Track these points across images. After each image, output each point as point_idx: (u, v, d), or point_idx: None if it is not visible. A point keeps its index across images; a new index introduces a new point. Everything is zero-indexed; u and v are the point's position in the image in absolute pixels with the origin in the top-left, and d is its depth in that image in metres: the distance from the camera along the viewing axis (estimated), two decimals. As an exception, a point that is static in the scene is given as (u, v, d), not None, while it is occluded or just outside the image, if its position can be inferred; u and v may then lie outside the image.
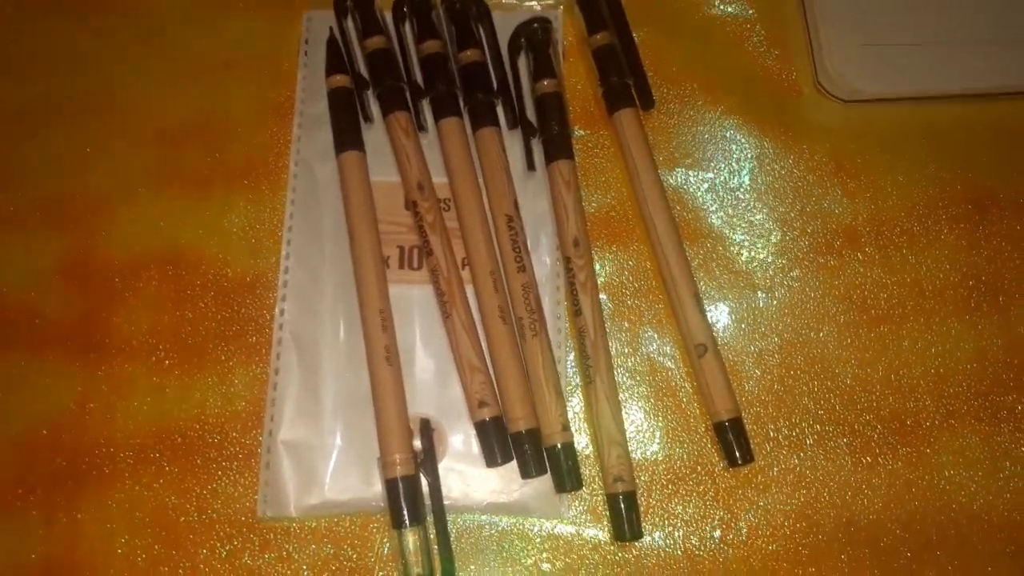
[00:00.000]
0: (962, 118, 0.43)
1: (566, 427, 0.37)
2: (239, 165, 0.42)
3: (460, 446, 0.38)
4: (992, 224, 0.41)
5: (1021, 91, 0.43)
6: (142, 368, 0.39)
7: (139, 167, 0.42)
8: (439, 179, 0.40)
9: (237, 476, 0.37)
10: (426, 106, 0.42)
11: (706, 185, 0.42)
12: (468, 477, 0.37)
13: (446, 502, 0.36)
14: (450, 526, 0.36)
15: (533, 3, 0.44)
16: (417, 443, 0.37)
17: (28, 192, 0.41)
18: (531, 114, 0.41)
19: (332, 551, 0.36)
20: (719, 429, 0.37)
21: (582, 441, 0.38)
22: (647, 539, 0.37)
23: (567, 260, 0.39)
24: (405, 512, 0.35)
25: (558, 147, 0.40)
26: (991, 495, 0.37)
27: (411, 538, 0.35)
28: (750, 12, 0.44)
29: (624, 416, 0.37)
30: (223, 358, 0.39)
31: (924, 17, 0.43)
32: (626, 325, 0.40)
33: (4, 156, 0.42)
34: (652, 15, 0.44)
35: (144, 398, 0.38)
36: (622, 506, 0.36)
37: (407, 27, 0.43)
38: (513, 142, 0.41)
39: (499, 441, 0.36)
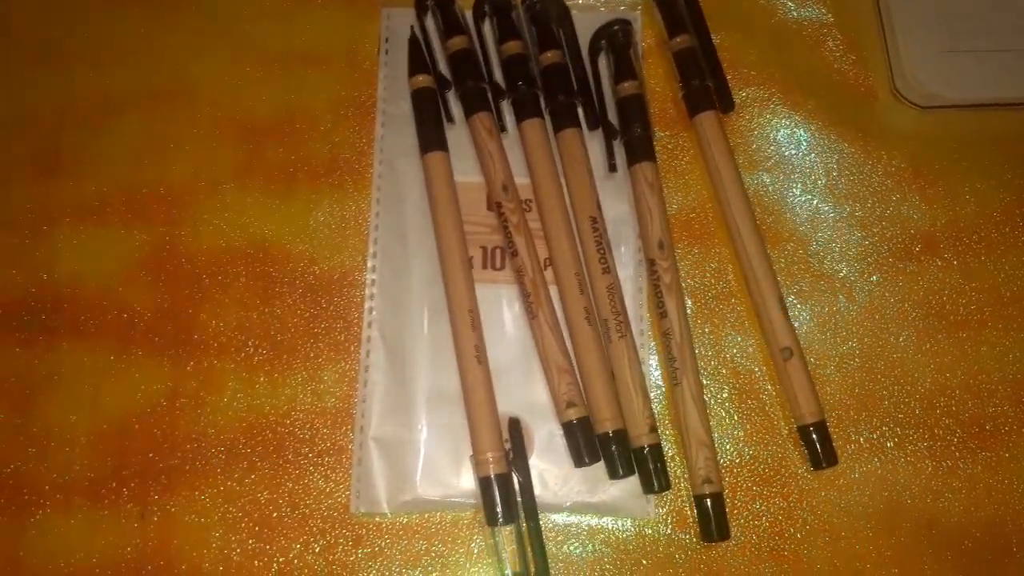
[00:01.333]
0: (1038, 124, 0.43)
1: (653, 428, 0.37)
2: (323, 162, 0.42)
3: (547, 445, 0.38)
4: (1069, 231, 0.41)
5: (1097, 99, 0.43)
6: (231, 364, 0.39)
7: (221, 161, 0.42)
8: (522, 180, 0.41)
9: (329, 472, 0.38)
10: (507, 107, 0.42)
11: (786, 189, 0.42)
12: (555, 476, 0.38)
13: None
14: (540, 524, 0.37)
15: (613, 4, 0.44)
16: (507, 442, 0.37)
17: (111, 183, 0.41)
18: (612, 115, 0.42)
19: (424, 547, 0.37)
20: (803, 432, 0.38)
21: (667, 442, 0.38)
22: (733, 539, 0.37)
23: (651, 262, 0.39)
24: (499, 509, 0.35)
25: (641, 149, 0.41)
26: (1070, 499, 0.38)
27: (504, 536, 0.35)
28: (827, 16, 0.45)
29: (709, 418, 0.38)
30: (312, 355, 0.39)
31: (1001, 24, 0.44)
32: (708, 328, 0.40)
33: (89, 147, 0.42)
34: (730, 18, 0.44)
35: (234, 394, 0.39)
36: (710, 507, 0.36)
37: (487, 26, 0.43)
38: (594, 143, 0.42)
39: (586, 441, 0.37)
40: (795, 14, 0.45)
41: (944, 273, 0.41)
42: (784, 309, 0.38)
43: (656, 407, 0.39)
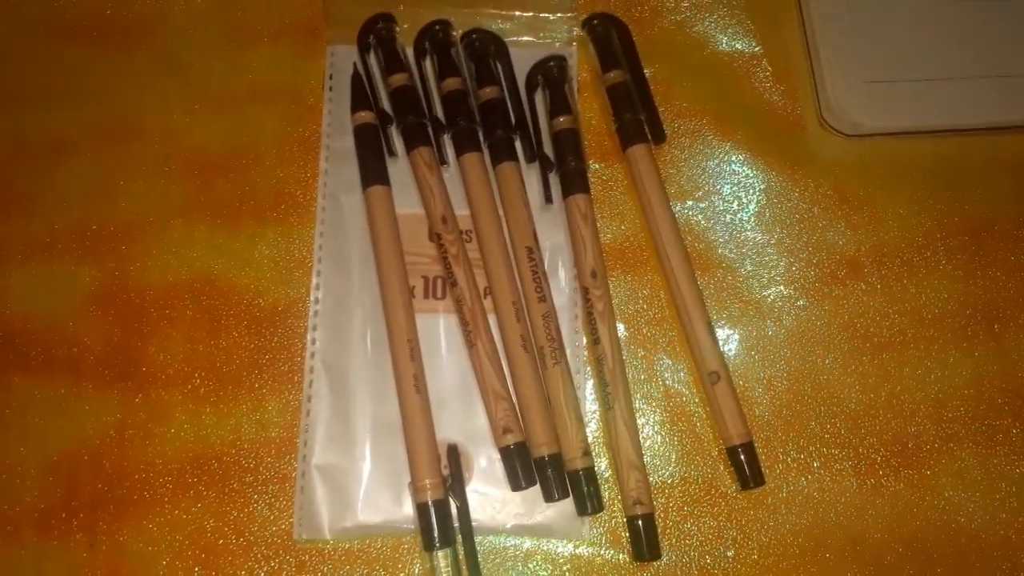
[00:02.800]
0: (959, 152, 0.45)
1: (587, 452, 0.38)
2: (268, 197, 0.43)
3: (485, 470, 0.39)
4: (988, 254, 0.43)
5: (1017, 125, 0.45)
6: (178, 396, 0.40)
7: (170, 197, 0.43)
8: (461, 212, 0.42)
9: (273, 500, 0.39)
10: (448, 141, 0.43)
11: (716, 217, 0.44)
12: (493, 500, 0.39)
13: (473, 523, 0.38)
14: (478, 547, 0.38)
15: (549, 41, 0.45)
16: (445, 468, 0.38)
17: (61, 221, 0.42)
18: (548, 148, 0.43)
19: (365, 572, 0.38)
20: (732, 453, 0.39)
21: (601, 464, 0.40)
22: (665, 558, 0.39)
23: (585, 290, 0.41)
24: (436, 534, 0.36)
25: (575, 181, 0.42)
26: (988, 515, 0.39)
27: (441, 559, 0.36)
28: (757, 49, 0.46)
29: (641, 441, 0.39)
30: (257, 386, 0.40)
31: (923, 55, 0.45)
32: (642, 353, 0.41)
33: (37, 185, 0.43)
34: (663, 52, 0.46)
35: (181, 425, 0.40)
36: (641, 528, 0.38)
37: (428, 64, 0.44)
38: (531, 176, 0.43)
39: (523, 466, 0.38)
40: (726, 47, 0.46)
41: (868, 296, 0.42)
42: (712, 334, 0.40)
43: (592, 431, 0.40)
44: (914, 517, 0.39)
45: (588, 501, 0.38)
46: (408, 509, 0.38)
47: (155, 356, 0.41)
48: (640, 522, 0.38)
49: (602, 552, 0.39)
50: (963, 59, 0.45)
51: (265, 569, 0.38)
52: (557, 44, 0.45)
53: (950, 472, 0.40)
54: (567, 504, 0.38)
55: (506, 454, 0.38)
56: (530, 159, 0.43)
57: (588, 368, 0.41)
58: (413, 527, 0.38)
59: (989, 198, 0.44)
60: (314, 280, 0.42)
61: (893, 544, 0.39)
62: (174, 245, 0.42)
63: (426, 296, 0.42)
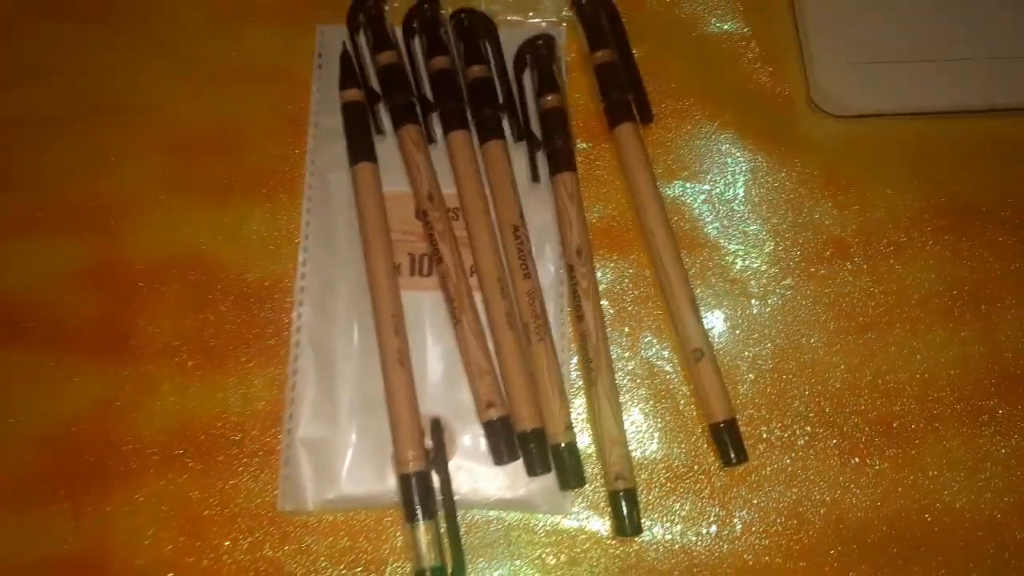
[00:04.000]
0: (946, 133, 0.45)
1: (569, 427, 0.38)
2: (256, 174, 0.43)
3: (469, 445, 0.40)
4: (974, 236, 0.43)
5: (1003, 108, 0.45)
6: (165, 369, 0.40)
7: (159, 174, 0.43)
8: (448, 189, 0.42)
9: (258, 472, 0.39)
10: (435, 119, 0.44)
11: (703, 197, 0.44)
12: (476, 474, 0.39)
13: (456, 498, 0.38)
14: (460, 520, 0.38)
15: (538, 20, 0.45)
16: (428, 441, 0.39)
17: (52, 196, 0.43)
18: (535, 127, 0.43)
19: (348, 543, 0.38)
20: (714, 430, 0.39)
21: (584, 441, 0.40)
22: (647, 534, 0.39)
23: (570, 268, 0.41)
24: (418, 506, 0.37)
25: (561, 160, 0.42)
26: (973, 494, 0.39)
27: (423, 531, 0.37)
28: (745, 30, 0.46)
29: (624, 417, 0.39)
30: (243, 360, 0.41)
31: (911, 36, 0.45)
32: (626, 330, 0.42)
33: (29, 161, 0.43)
34: (651, 32, 0.46)
35: (168, 398, 0.40)
36: (623, 502, 0.38)
37: (416, 43, 0.45)
38: (518, 154, 0.43)
39: (506, 440, 0.38)
40: (715, 27, 0.46)
41: (854, 277, 0.42)
42: (696, 312, 0.40)
43: (576, 408, 0.40)
44: (898, 496, 0.39)
45: (571, 476, 0.38)
46: (391, 482, 0.38)
47: (143, 329, 0.41)
48: (622, 496, 0.38)
49: (585, 527, 0.39)
50: (952, 41, 0.45)
51: (249, 540, 0.38)
52: (545, 24, 0.46)
53: (935, 452, 0.40)
54: (550, 479, 0.39)
55: (489, 428, 0.38)
56: (517, 138, 0.43)
57: (572, 345, 0.41)
58: (396, 500, 0.38)
59: (976, 180, 0.44)
60: (301, 256, 0.42)
61: (876, 523, 0.39)
62: (163, 221, 0.43)
63: (412, 273, 0.42)
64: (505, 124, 0.43)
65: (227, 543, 0.38)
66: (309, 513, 0.39)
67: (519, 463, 0.38)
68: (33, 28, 0.45)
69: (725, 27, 0.46)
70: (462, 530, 0.38)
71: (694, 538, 0.39)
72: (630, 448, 0.39)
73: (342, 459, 0.39)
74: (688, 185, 0.44)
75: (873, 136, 0.45)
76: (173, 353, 0.41)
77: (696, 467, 0.40)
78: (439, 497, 0.38)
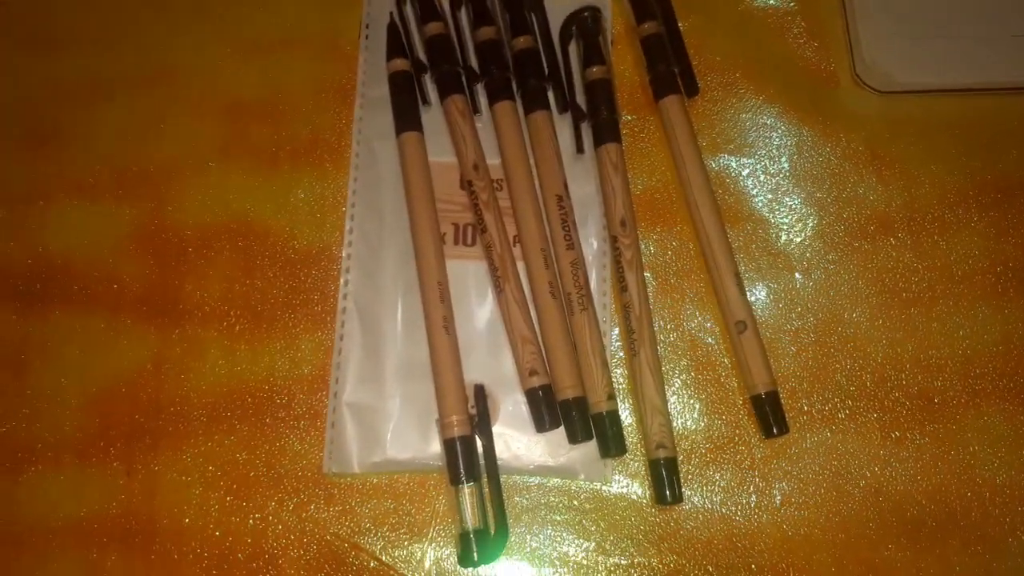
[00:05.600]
0: (993, 110, 0.44)
1: (611, 396, 0.39)
2: (303, 142, 0.44)
3: (511, 412, 0.40)
4: (1020, 213, 0.43)
5: (1052, 85, 0.44)
6: (214, 333, 0.41)
7: (207, 140, 0.44)
8: (493, 160, 0.42)
9: (304, 435, 0.40)
10: (481, 90, 0.44)
11: (747, 170, 0.44)
12: (519, 441, 0.40)
13: (498, 463, 0.39)
14: (503, 486, 0.38)
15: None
16: (472, 408, 0.39)
17: (103, 160, 0.44)
18: (581, 99, 0.43)
19: (392, 506, 0.39)
20: (756, 402, 0.39)
21: (626, 410, 0.40)
22: (686, 503, 0.39)
23: (614, 239, 0.41)
24: (462, 470, 0.37)
25: (606, 131, 0.42)
26: (1013, 471, 0.39)
27: (467, 494, 0.37)
28: (791, 4, 0.46)
29: (666, 388, 0.40)
30: (290, 325, 0.41)
31: (958, 11, 0.45)
32: (669, 302, 0.42)
33: (80, 125, 0.44)
34: (697, 5, 0.46)
35: (216, 361, 0.41)
36: (663, 471, 0.38)
37: (463, 13, 0.45)
38: (563, 126, 0.43)
39: (548, 408, 0.39)
40: (760, 1, 0.46)
41: (898, 252, 0.42)
42: (740, 285, 0.40)
43: (617, 378, 0.41)
44: (938, 471, 0.40)
45: (612, 444, 0.38)
46: (435, 447, 0.39)
47: (192, 294, 0.42)
48: (663, 465, 0.38)
49: (626, 495, 0.39)
50: (998, 17, 0.45)
51: (295, 501, 0.39)
52: (592, -5, 0.46)
53: (975, 427, 0.40)
54: (591, 447, 0.39)
55: (532, 396, 0.39)
56: (562, 109, 0.44)
57: (615, 316, 0.41)
58: (440, 464, 0.39)
59: (1022, 157, 0.44)
60: (347, 224, 0.42)
61: (916, 496, 0.39)
62: (211, 187, 0.43)
63: (456, 243, 0.42)
64: (550, 95, 0.43)
65: (272, 504, 0.39)
66: (354, 476, 0.39)
67: (561, 431, 0.39)
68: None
69: (771, 1, 0.46)
70: (504, 495, 0.38)
71: (733, 508, 0.39)
72: (671, 419, 0.39)
73: (387, 423, 0.40)
74: (733, 158, 0.44)
75: (918, 112, 0.44)
76: (221, 317, 0.41)
77: (736, 438, 0.40)
78: (482, 462, 0.38)
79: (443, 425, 0.38)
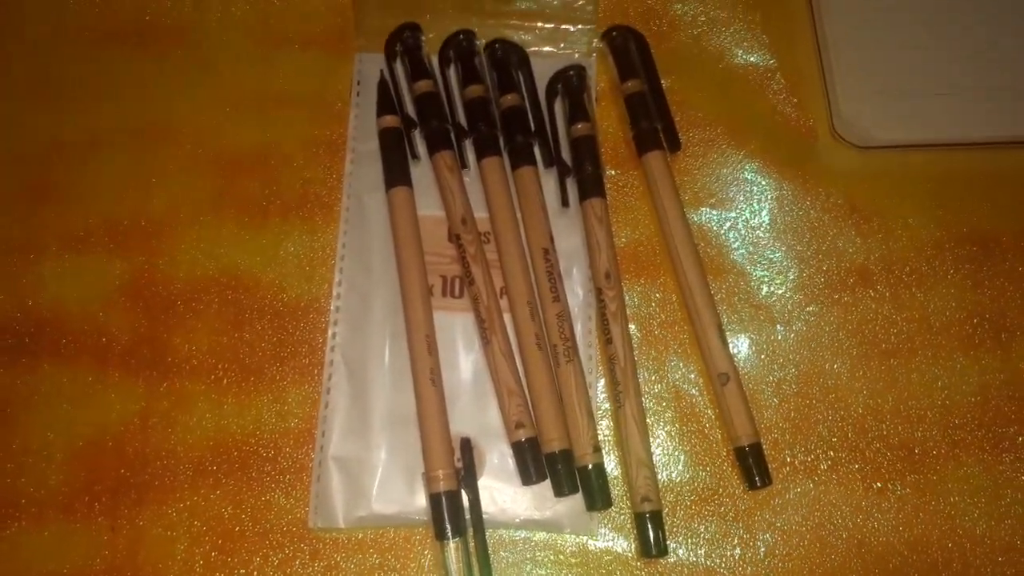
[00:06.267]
0: (968, 165, 0.46)
1: (597, 448, 0.39)
2: (294, 196, 0.44)
3: (497, 465, 0.40)
4: (995, 265, 0.44)
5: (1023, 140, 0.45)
6: (201, 386, 0.41)
7: (198, 195, 0.45)
8: (480, 214, 0.43)
9: (289, 489, 0.40)
10: (469, 146, 0.45)
11: (728, 224, 0.45)
12: (504, 494, 0.40)
13: (484, 517, 0.39)
14: (488, 540, 0.39)
15: (569, 51, 0.47)
16: (458, 461, 0.39)
17: (95, 214, 0.44)
18: (566, 154, 0.44)
19: (378, 561, 0.39)
20: (739, 454, 0.40)
21: (612, 463, 0.41)
22: (671, 556, 0.39)
23: (599, 291, 0.42)
24: (448, 525, 0.37)
25: (591, 186, 0.43)
26: (993, 521, 0.40)
27: (453, 550, 0.37)
28: (771, 62, 0.47)
29: (651, 440, 0.40)
30: (278, 378, 0.41)
31: (934, 69, 0.46)
32: (653, 354, 0.42)
33: (74, 179, 0.45)
34: (679, 63, 0.47)
35: (203, 414, 0.41)
36: (649, 524, 0.38)
37: (452, 71, 0.46)
38: (549, 180, 0.44)
39: (534, 461, 0.39)
40: (741, 59, 0.47)
41: (877, 304, 0.43)
42: (722, 336, 0.41)
43: (603, 430, 0.41)
44: (920, 521, 0.40)
45: (597, 497, 0.39)
46: (421, 501, 0.39)
47: (180, 347, 0.42)
48: (648, 519, 0.38)
49: (611, 548, 0.39)
50: (973, 74, 0.46)
51: (280, 555, 0.39)
52: (577, 55, 0.47)
53: (956, 478, 0.41)
54: (577, 500, 0.39)
55: (518, 448, 0.39)
56: (548, 164, 0.44)
57: (600, 367, 0.42)
58: (426, 518, 0.39)
59: (996, 211, 0.45)
60: (336, 277, 0.43)
61: (898, 547, 0.40)
62: (202, 241, 0.44)
63: (444, 295, 0.43)
64: (536, 151, 0.44)
65: (258, 559, 0.39)
66: (340, 530, 0.39)
67: (547, 484, 0.39)
68: (83, 51, 0.47)
69: (751, 59, 0.47)
70: (490, 549, 0.39)
71: (718, 560, 0.39)
72: (656, 471, 0.40)
73: (373, 477, 0.40)
74: (714, 212, 0.45)
75: (896, 167, 0.46)
76: (209, 370, 0.42)
77: (721, 490, 0.40)
78: (468, 516, 0.38)
79: (429, 479, 0.38)
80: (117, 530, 0.39)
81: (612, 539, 0.40)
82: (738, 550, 0.40)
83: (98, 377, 0.42)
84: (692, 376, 0.42)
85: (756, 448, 0.40)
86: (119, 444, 0.41)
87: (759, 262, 0.44)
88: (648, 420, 0.41)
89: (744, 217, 0.45)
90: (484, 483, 0.40)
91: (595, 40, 0.46)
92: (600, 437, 0.40)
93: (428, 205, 0.43)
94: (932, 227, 0.45)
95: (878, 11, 0.47)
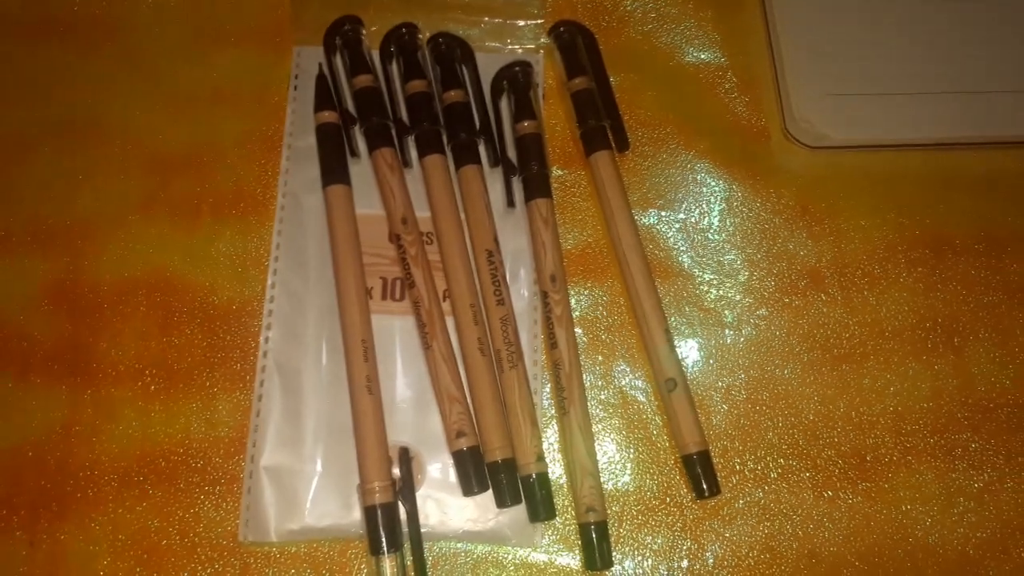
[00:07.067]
0: (921, 166, 0.45)
1: (541, 457, 0.38)
2: (227, 195, 0.43)
3: (438, 475, 0.39)
4: (948, 268, 0.43)
5: (976, 141, 0.45)
6: (127, 393, 0.39)
7: (128, 194, 0.43)
8: (422, 213, 0.42)
9: (219, 501, 0.38)
10: (411, 143, 0.43)
11: (678, 225, 0.43)
12: (445, 505, 0.38)
13: (423, 529, 0.37)
14: (427, 553, 0.37)
15: (515, 47, 0.45)
16: (396, 471, 0.38)
17: (19, 215, 0.42)
18: (512, 153, 0.43)
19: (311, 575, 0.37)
20: (687, 462, 0.38)
21: (556, 471, 0.39)
22: (617, 568, 0.38)
23: (544, 295, 0.40)
24: (383, 539, 0.36)
25: (537, 186, 0.42)
26: (945, 529, 0.39)
27: (388, 564, 0.36)
28: (722, 60, 0.46)
29: (596, 447, 0.39)
30: (208, 384, 0.40)
31: (887, 69, 0.46)
32: (600, 359, 0.41)
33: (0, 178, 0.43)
34: (629, 61, 0.46)
35: (129, 422, 0.39)
36: (594, 536, 0.37)
37: (394, 66, 0.44)
38: (494, 180, 0.43)
39: (476, 470, 0.37)
40: (692, 57, 0.46)
41: (828, 308, 0.42)
42: (670, 341, 0.39)
43: (548, 437, 0.40)
44: (871, 531, 0.39)
45: (541, 508, 0.37)
46: (357, 513, 0.38)
47: (106, 352, 0.40)
48: (593, 529, 0.37)
49: (555, 560, 0.38)
50: (927, 75, 0.45)
51: (208, 571, 0.37)
52: (523, 50, 0.45)
53: (908, 485, 0.40)
54: (520, 511, 0.38)
55: (459, 458, 0.38)
56: (493, 163, 0.43)
57: (545, 373, 0.40)
58: (361, 531, 0.37)
59: (950, 213, 0.44)
60: (270, 279, 0.41)
61: (849, 558, 0.39)
62: (131, 241, 0.42)
63: (383, 298, 0.41)
64: (481, 149, 0.43)
65: (185, 574, 0.37)
66: (271, 544, 0.38)
67: (488, 494, 0.38)
68: (7, 45, 0.45)
69: (702, 57, 0.46)
70: (428, 563, 0.37)
71: (665, 572, 0.38)
72: (602, 479, 0.38)
73: (307, 488, 0.38)
74: (663, 214, 0.44)
75: (848, 167, 0.45)
76: (136, 377, 0.40)
77: (668, 499, 0.39)
78: (405, 529, 0.37)
79: (364, 491, 0.36)
80: (36, 545, 0.37)
81: (556, 551, 0.38)
82: (686, 561, 0.38)
83: (18, 384, 0.40)
84: (639, 382, 0.41)
85: (704, 456, 0.38)
86: (40, 454, 0.39)
87: (708, 265, 0.43)
88: (594, 427, 0.39)
89: (693, 219, 0.44)
90: (423, 494, 0.38)
91: (542, 35, 0.45)
92: (545, 445, 0.39)
93: (368, 204, 0.42)
94: (885, 229, 0.44)
95: (831, 10, 0.46)
